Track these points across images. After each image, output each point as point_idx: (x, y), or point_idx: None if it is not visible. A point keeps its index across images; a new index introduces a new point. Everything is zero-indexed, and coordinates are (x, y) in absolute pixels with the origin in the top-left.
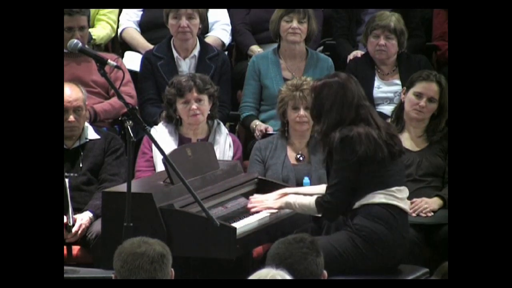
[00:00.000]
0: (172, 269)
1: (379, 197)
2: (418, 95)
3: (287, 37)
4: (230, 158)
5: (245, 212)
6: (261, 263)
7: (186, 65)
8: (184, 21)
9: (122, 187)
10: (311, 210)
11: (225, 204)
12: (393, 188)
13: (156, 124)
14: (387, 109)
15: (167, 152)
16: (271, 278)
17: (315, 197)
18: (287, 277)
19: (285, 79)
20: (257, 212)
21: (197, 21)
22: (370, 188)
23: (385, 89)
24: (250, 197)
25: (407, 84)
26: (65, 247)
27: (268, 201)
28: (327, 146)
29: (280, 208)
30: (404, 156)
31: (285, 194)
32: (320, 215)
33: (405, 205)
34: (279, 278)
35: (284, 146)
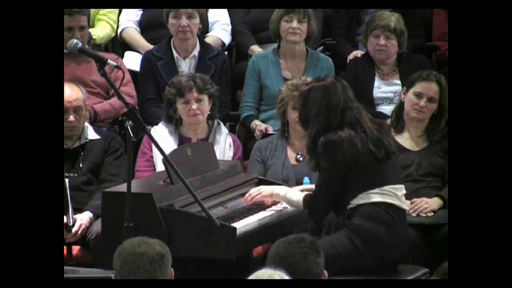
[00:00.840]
0: (172, 269)
1: (374, 196)
2: (418, 95)
3: (287, 37)
4: (230, 158)
5: (245, 212)
6: (261, 263)
7: (186, 65)
8: (184, 21)
9: (122, 187)
10: (298, 206)
11: (225, 204)
12: (388, 187)
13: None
14: (387, 109)
15: (167, 152)
16: (269, 278)
17: (304, 193)
18: (285, 277)
19: (285, 79)
20: (257, 210)
21: (197, 20)
22: (363, 188)
23: (385, 89)
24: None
25: (407, 84)
26: (65, 247)
27: (262, 191)
28: (314, 151)
29: (267, 195)
30: (399, 156)
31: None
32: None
33: (402, 203)
34: (277, 277)
35: (284, 146)
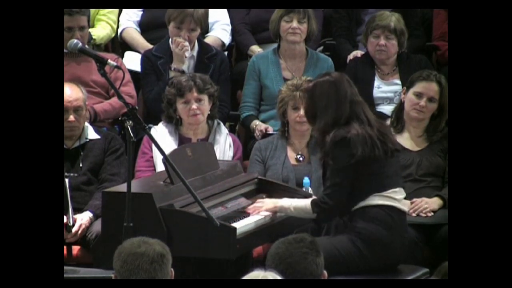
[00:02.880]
0: (172, 269)
1: (375, 199)
2: (418, 95)
3: (287, 37)
4: (230, 158)
5: (245, 212)
6: (261, 263)
7: (185, 65)
8: (185, 34)
9: (122, 187)
10: (306, 212)
11: (225, 204)
12: (389, 191)
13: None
14: (387, 109)
15: (167, 152)
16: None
17: (310, 199)
18: (278, 277)
19: (285, 79)
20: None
21: (197, 32)
22: (367, 191)
23: (385, 89)
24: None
25: (407, 84)
26: (65, 247)
27: (264, 205)
28: (323, 146)
29: (273, 210)
30: (400, 156)
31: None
32: (315, 217)
33: (402, 205)
34: (271, 278)
35: (284, 146)
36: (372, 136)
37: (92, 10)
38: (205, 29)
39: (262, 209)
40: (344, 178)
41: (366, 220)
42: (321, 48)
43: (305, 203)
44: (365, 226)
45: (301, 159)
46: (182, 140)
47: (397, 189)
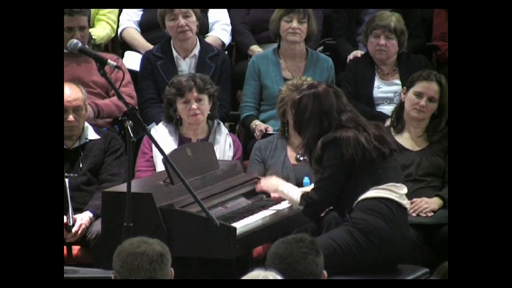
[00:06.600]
0: (172, 269)
1: (373, 192)
2: (419, 95)
3: (287, 37)
4: (230, 158)
5: (245, 212)
6: (261, 263)
7: (186, 65)
8: (181, 20)
9: (122, 187)
10: (296, 204)
11: (225, 204)
12: (389, 184)
13: (157, 124)
14: (387, 109)
15: (167, 152)
16: (263, 278)
17: (303, 189)
18: (278, 277)
19: (285, 79)
20: (257, 210)
21: (193, 18)
22: (365, 185)
23: (385, 89)
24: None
25: (407, 83)
26: (65, 247)
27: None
28: (311, 158)
29: (271, 190)
30: (399, 154)
31: None
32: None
33: (403, 201)
34: (271, 278)
35: (284, 146)
36: (363, 142)
37: (92, 10)
38: (205, 29)
39: (266, 187)
40: (332, 174)
41: (365, 212)
42: (321, 48)
43: (298, 195)
44: (364, 217)
45: (301, 158)
46: (182, 140)
47: (398, 184)
